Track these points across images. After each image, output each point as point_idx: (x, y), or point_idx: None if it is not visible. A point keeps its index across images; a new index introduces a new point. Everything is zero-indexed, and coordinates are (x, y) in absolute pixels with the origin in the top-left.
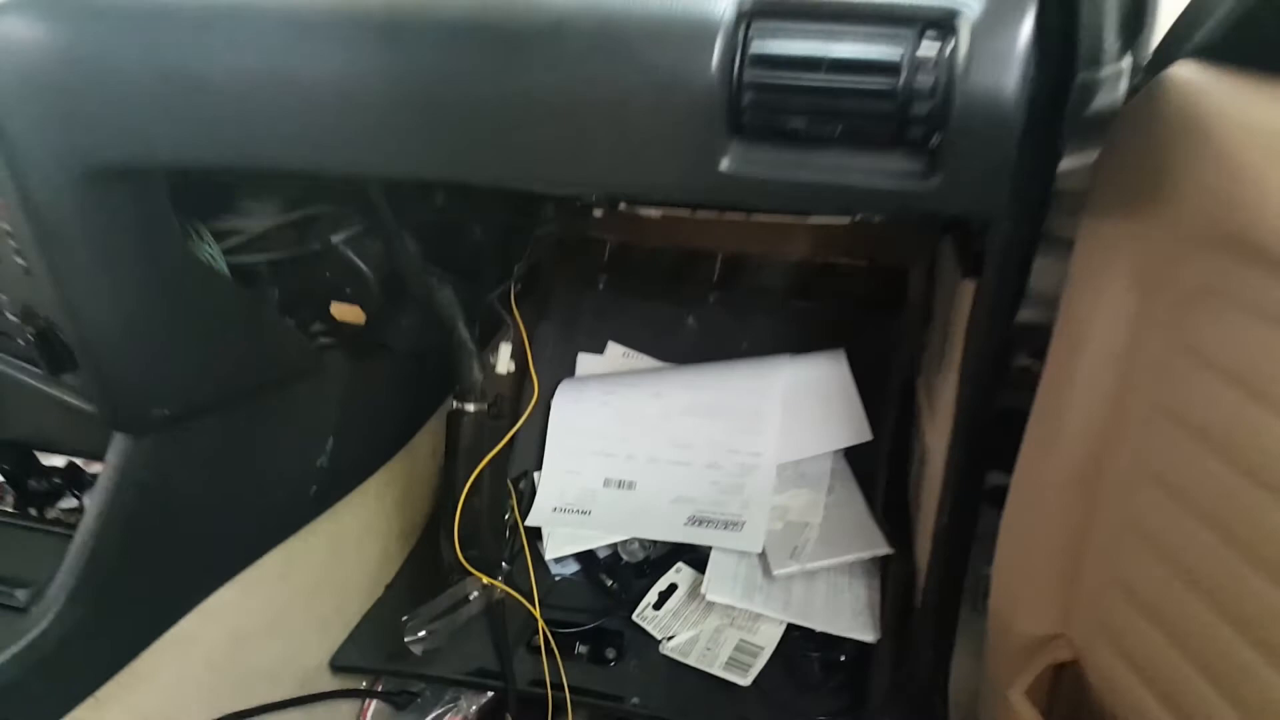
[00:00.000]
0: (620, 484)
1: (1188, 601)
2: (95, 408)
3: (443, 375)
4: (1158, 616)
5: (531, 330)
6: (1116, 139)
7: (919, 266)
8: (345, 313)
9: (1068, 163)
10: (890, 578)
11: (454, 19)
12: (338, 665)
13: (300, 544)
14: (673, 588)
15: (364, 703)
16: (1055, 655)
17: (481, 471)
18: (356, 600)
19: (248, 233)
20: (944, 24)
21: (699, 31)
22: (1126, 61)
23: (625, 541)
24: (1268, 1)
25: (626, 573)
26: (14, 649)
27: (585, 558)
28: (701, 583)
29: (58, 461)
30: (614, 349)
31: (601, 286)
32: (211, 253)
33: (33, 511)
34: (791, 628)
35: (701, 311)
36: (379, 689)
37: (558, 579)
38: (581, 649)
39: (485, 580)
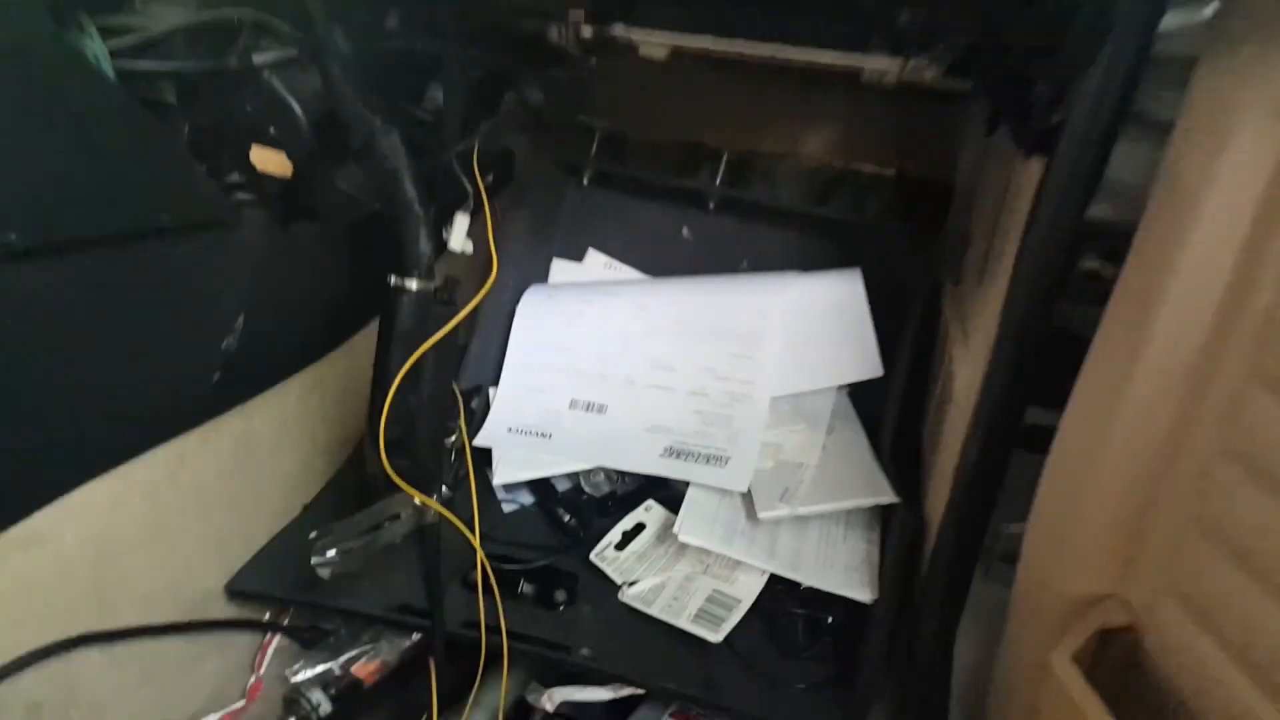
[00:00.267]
0: (589, 406)
1: None
2: None
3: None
4: (1248, 564)
5: (498, 220)
6: None
7: (970, 148)
8: (268, 160)
9: (1172, 19)
10: (894, 531)
11: None
12: (234, 590)
13: (197, 442)
14: (640, 527)
15: (264, 637)
16: (1107, 618)
17: (423, 367)
18: (265, 518)
19: (143, 32)
20: None
21: None
22: None
23: (589, 471)
24: None
25: (588, 508)
26: None
27: (541, 487)
28: (674, 524)
29: None
30: (595, 257)
31: (586, 181)
32: (95, 50)
33: None
34: (774, 580)
35: (700, 220)
36: (284, 623)
37: (507, 509)
38: (527, 589)
39: (418, 498)
